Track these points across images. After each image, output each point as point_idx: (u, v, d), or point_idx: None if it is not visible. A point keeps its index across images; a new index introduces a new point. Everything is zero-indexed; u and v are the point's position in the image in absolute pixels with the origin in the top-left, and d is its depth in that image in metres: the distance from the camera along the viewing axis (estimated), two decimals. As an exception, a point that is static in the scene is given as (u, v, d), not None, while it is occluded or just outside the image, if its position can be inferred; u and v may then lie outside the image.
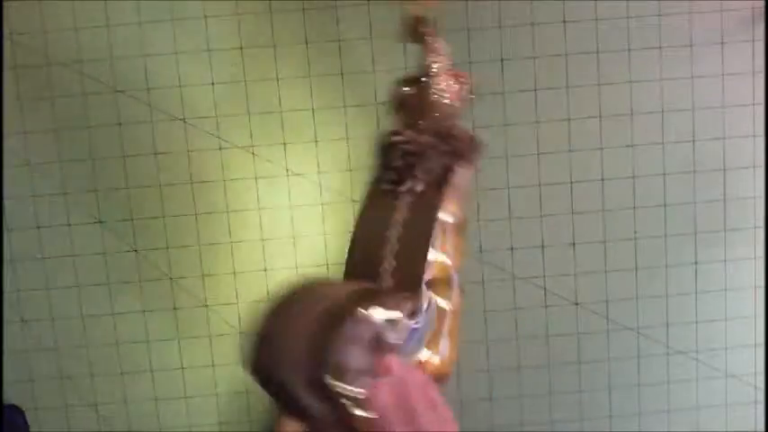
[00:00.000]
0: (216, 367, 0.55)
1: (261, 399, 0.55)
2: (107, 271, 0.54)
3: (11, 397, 0.55)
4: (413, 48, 0.52)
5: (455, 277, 0.43)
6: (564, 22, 0.52)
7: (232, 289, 0.54)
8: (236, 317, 0.54)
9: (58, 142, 0.53)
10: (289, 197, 0.56)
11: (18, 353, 0.55)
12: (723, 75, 0.53)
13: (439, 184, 0.41)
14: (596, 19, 0.52)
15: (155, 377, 0.55)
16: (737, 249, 0.55)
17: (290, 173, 0.56)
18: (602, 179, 0.53)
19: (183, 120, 0.52)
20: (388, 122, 0.43)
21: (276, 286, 0.31)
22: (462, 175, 0.43)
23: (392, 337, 0.32)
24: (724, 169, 0.54)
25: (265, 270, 0.55)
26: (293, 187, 0.56)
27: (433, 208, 0.40)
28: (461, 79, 0.43)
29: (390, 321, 0.32)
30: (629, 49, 0.52)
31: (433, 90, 0.42)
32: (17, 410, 0.55)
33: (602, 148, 0.53)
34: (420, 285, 0.38)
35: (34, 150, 0.53)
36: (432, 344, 0.41)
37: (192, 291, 0.54)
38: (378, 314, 0.32)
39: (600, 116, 0.53)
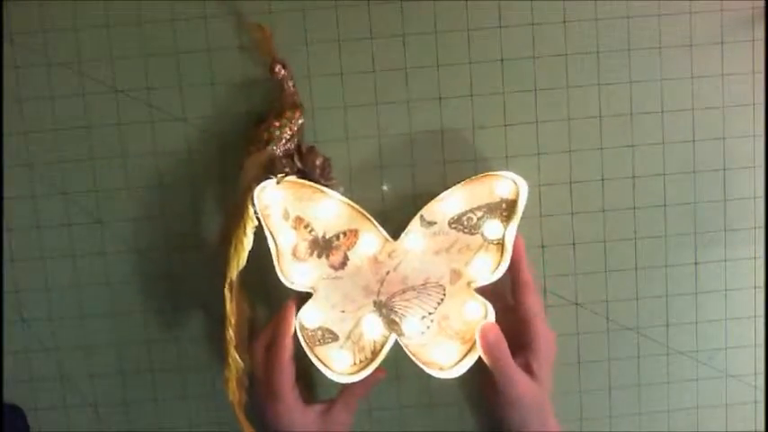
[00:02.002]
0: (216, 367, 0.55)
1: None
2: (107, 271, 0.54)
3: (11, 397, 0.55)
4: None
5: None
6: (564, 22, 0.52)
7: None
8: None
9: (58, 142, 0.53)
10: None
11: (18, 353, 0.55)
12: (723, 75, 0.53)
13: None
14: (596, 19, 0.52)
15: (155, 377, 0.55)
16: (737, 249, 0.55)
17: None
18: (603, 179, 0.53)
19: (184, 119, 0.52)
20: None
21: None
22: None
23: None
24: (724, 169, 0.54)
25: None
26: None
27: None
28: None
29: None
30: (629, 49, 0.52)
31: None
32: (17, 410, 0.55)
33: (602, 148, 0.53)
34: None
35: (34, 150, 0.53)
36: None
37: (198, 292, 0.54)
38: None
39: (600, 116, 0.53)
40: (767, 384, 0.55)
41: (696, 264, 0.55)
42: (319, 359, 0.49)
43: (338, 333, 0.49)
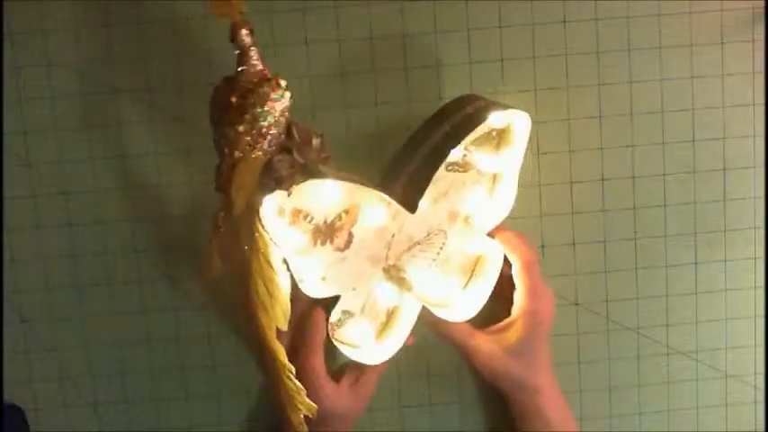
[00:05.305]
0: (217, 367, 0.55)
1: (262, 400, 0.55)
2: (107, 271, 0.54)
3: (11, 397, 0.55)
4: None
5: None
6: (564, 22, 0.52)
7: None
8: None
9: (58, 142, 0.53)
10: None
11: (18, 353, 0.55)
12: (723, 75, 0.53)
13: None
14: (596, 19, 0.52)
15: (155, 377, 0.55)
16: (737, 249, 0.55)
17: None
18: (602, 179, 0.54)
19: (184, 119, 0.52)
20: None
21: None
22: None
23: None
24: (724, 169, 0.54)
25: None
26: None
27: None
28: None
29: None
30: (629, 49, 0.52)
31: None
32: (17, 410, 0.55)
33: (602, 148, 0.53)
34: None
35: (34, 150, 0.53)
36: None
37: (195, 291, 0.54)
38: None
39: (600, 116, 0.53)
40: (767, 384, 0.55)
41: (696, 264, 0.55)
42: (342, 342, 0.48)
43: (353, 311, 0.48)
